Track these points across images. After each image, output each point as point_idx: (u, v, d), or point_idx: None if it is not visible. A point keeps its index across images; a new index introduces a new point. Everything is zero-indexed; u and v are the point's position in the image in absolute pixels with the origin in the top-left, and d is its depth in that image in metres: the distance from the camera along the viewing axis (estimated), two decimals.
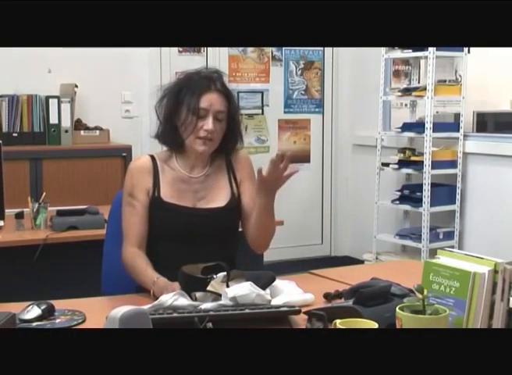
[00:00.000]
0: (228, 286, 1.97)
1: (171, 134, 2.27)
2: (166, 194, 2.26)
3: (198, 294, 1.97)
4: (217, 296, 1.95)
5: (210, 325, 1.68)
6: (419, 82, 5.23)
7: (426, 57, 4.63)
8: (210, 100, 2.21)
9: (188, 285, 2.01)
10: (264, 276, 2.05)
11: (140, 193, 2.25)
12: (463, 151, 4.75)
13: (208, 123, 2.20)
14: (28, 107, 4.46)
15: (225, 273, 2.01)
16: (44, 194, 3.32)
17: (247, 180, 2.35)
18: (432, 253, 4.35)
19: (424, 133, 4.64)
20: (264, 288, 1.96)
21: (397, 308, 1.58)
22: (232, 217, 2.32)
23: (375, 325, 1.57)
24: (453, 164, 4.76)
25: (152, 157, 2.32)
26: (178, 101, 2.24)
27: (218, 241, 2.27)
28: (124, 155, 4.51)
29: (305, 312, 1.79)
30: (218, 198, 2.29)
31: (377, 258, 5.04)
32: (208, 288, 1.97)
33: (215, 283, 1.99)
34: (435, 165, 4.65)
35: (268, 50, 5.62)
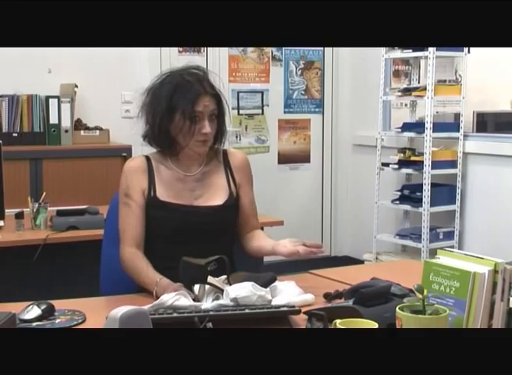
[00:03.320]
0: (230, 283, 1.97)
1: (162, 137, 2.28)
2: (162, 193, 2.26)
3: (197, 289, 1.96)
4: (217, 295, 1.95)
5: (210, 325, 1.68)
6: (419, 82, 5.23)
7: (426, 57, 4.63)
8: (204, 102, 2.22)
9: (188, 272, 2.00)
10: (265, 275, 2.06)
11: (135, 193, 2.26)
12: (463, 151, 4.75)
13: (206, 126, 2.22)
14: (28, 107, 4.46)
15: (225, 276, 2.01)
16: (44, 194, 3.33)
17: (246, 183, 2.38)
18: (432, 253, 4.35)
19: (424, 133, 4.63)
20: (265, 287, 1.96)
21: (397, 308, 1.58)
22: (229, 215, 2.33)
23: (375, 325, 1.57)
24: (453, 164, 4.76)
25: (147, 157, 2.33)
26: (171, 107, 2.23)
27: (216, 239, 2.27)
28: (124, 155, 4.50)
29: (305, 312, 1.78)
30: (216, 196, 2.30)
31: (377, 258, 5.03)
32: (209, 280, 1.97)
33: (216, 279, 1.99)
34: (435, 165, 4.65)
35: (268, 50, 5.61)
